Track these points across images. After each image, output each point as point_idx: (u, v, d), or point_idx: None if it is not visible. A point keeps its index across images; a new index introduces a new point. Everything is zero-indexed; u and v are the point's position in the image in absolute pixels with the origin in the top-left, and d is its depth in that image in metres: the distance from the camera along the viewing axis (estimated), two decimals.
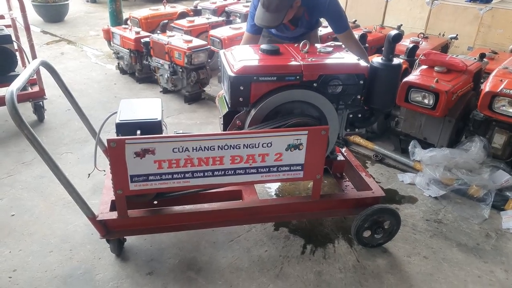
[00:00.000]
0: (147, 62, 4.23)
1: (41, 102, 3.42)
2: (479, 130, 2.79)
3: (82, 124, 2.35)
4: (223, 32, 4.17)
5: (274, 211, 2.12)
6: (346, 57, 2.11)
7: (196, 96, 4.09)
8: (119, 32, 4.45)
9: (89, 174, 2.26)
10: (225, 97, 2.21)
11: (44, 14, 7.19)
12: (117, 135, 2.03)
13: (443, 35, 4.34)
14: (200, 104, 4.09)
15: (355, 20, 4.87)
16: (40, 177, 2.76)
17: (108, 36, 4.71)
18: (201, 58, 3.83)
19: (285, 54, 2.10)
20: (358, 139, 3.33)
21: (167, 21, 4.30)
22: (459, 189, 2.67)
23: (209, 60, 3.98)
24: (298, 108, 2.06)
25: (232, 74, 1.93)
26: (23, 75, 1.80)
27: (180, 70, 3.87)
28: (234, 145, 1.87)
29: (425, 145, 2.95)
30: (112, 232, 1.99)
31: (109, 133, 3.06)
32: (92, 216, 1.92)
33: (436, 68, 2.91)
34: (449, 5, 4.83)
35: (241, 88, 1.96)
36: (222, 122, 2.15)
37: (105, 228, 1.96)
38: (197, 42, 3.85)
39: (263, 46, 2.10)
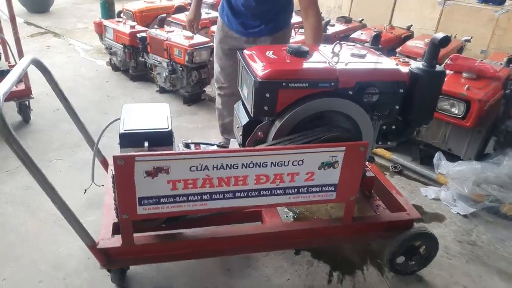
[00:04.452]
0: (142, 59, 3.91)
1: (27, 102, 3.08)
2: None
3: (73, 126, 2.07)
4: None
5: (300, 236, 1.87)
6: (384, 62, 1.86)
7: (196, 97, 3.80)
8: (112, 25, 4.12)
9: (85, 190, 1.97)
10: (244, 104, 1.94)
11: (28, 4, 6.75)
12: (121, 147, 1.75)
13: (455, 37, 4.14)
14: (200, 105, 3.79)
15: (362, 19, 4.64)
16: (27, 187, 2.44)
17: (100, 29, 4.36)
18: (203, 56, 3.54)
19: (315, 56, 1.84)
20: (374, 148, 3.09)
21: (165, 15, 3.98)
22: (490, 207, 2.46)
23: (211, 59, 3.68)
24: (331, 119, 1.81)
25: (257, 79, 1.66)
26: (11, 76, 1.51)
27: (180, 68, 3.56)
28: (260, 163, 1.60)
29: (449, 156, 2.74)
30: (115, 261, 1.71)
31: (108, 139, 2.75)
32: (91, 244, 1.63)
33: (464, 74, 2.70)
34: (462, 6, 4.64)
35: (267, 95, 1.69)
36: (240, 133, 1.88)
37: (106, 256, 1.68)
38: (199, 38, 3.55)
39: (291, 47, 1.83)
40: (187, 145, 2.14)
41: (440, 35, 1.79)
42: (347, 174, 1.71)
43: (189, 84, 3.61)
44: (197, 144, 2.15)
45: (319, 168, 1.68)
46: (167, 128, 1.79)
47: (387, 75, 1.80)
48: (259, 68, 1.71)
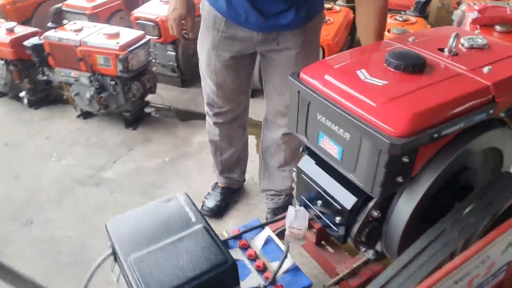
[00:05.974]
0: (44, 77, 2.66)
1: None
2: None
3: None
4: (155, 9, 2.79)
5: None
6: None
7: (139, 114, 2.75)
8: None
9: None
10: (320, 161, 1.16)
11: None
12: None
13: None
14: (148, 125, 2.75)
15: None
16: None
17: None
18: (142, 58, 2.49)
19: (435, 67, 1.09)
20: None
21: (61, 5, 2.72)
22: None
23: (150, 58, 2.63)
24: (482, 165, 1.14)
25: (394, 140, 0.88)
26: None
27: (112, 82, 2.47)
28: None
29: None
30: None
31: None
32: None
33: (497, 27, 2.19)
34: None
35: (406, 160, 0.93)
36: (341, 219, 1.10)
37: None
38: (128, 34, 2.46)
39: (400, 58, 1.04)
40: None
41: None
42: None
43: (129, 100, 2.55)
44: (240, 239, 1.32)
45: (502, 253, 1.03)
46: (227, 262, 0.95)
47: None
48: (384, 115, 0.92)
